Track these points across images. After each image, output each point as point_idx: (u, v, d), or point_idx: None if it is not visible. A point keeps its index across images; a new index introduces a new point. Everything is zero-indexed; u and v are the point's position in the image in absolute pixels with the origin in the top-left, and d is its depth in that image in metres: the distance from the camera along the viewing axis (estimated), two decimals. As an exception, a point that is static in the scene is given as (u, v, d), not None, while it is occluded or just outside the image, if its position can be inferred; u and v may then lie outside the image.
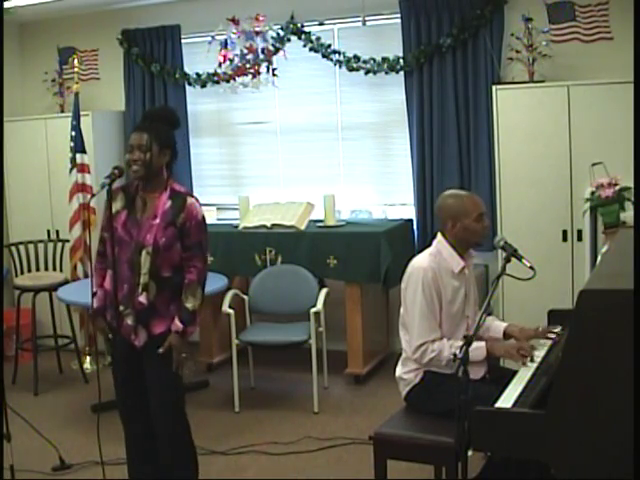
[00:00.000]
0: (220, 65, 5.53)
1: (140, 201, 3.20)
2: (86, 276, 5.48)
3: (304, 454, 4.10)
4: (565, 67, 4.95)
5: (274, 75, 5.47)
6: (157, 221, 3.13)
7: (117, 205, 3.21)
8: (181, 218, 3.14)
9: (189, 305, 3.16)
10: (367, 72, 5.43)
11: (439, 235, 3.28)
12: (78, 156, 5.52)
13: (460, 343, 3.08)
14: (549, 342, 3.17)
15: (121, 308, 3.17)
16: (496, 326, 3.41)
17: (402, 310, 3.30)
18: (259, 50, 5.42)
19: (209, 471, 3.72)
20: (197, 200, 3.24)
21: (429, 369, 3.19)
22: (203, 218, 3.22)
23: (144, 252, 3.11)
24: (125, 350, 3.24)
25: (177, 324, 3.16)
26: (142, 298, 3.13)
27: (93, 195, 3.61)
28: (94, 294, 3.30)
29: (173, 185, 3.22)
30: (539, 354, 3.05)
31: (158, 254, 3.12)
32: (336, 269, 5.10)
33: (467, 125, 5.25)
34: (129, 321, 3.17)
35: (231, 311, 4.73)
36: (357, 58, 5.44)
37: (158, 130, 3.16)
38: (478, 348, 3.10)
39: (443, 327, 3.18)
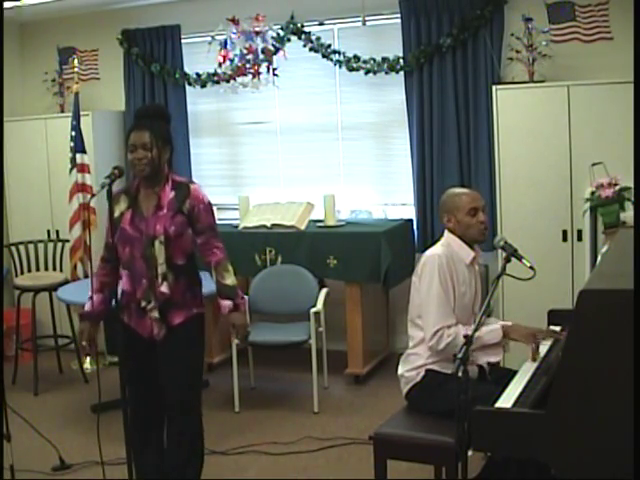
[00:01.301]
0: (220, 65, 5.53)
1: (144, 198, 3.21)
2: (86, 276, 5.48)
3: (304, 454, 4.10)
4: (565, 67, 4.94)
5: (274, 75, 5.47)
6: (164, 211, 3.15)
7: (121, 207, 3.21)
8: (187, 204, 3.17)
9: (228, 281, 3.23)
10: (367, 72, 5.43)
11: (445, 231, 3.31)
12: (78, 156, 5.52)
13: (473, 327, 3.08)
14: (551, 340, 3.18)
15: (143, 304, 3.18)
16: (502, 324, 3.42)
17: (411, 305, 3.28)
18: (259, 50, 5.41)
19: (209, 471, 3.72)
20: (199, 186, 3.27)
21: (431, 368, 3.19)
22: (209, 202, 3.25)
23: (157, 242, 3.13)
24: (137, 347, 3.24)
25: (226, 303, 3.23)
26: (164, 288, 3.15)
27: (93, 195, 3.61)
28: (90, 298, 3.31)
29: (173, 177, 3.24)
30: (541, 350, 3.06)
31: (170, 243, 3.14)
32: (336, 269, 5.10)
33: (467, 125, 5.25)
34: (154, 314, 3.18)
35: (231, 311, 4.73)
36: (357, 58, 5.44)
37: (158, 127, 3.17)
38: (493, 330, 3.12)
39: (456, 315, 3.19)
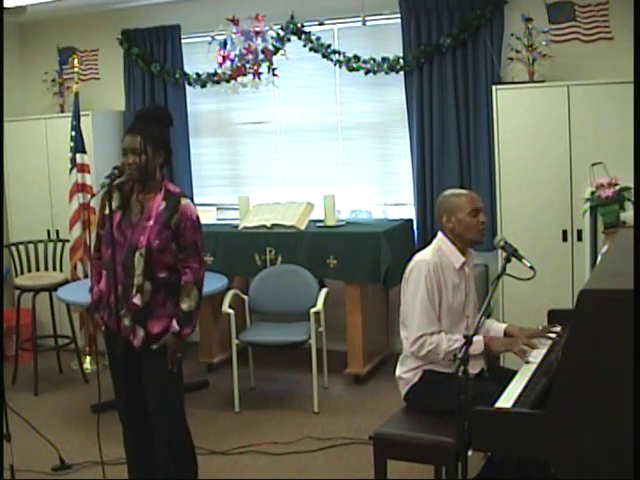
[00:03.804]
0: (220, 65, 5.53)
1: (135, 203, 3.19)
2: (86, 276, 5.48)
3: (304, 454, 4.10)
4: (565, 67, 4.95)
5: (274, 75, 5.47)
6: (151, 223, 3.12)
7: (112, 205, 3.18)
8: (175, 219, 3.12)
9: (184, 306, 3.15)
10: (367, 72, 5.43)
11: (439, 233, 3.31)
12: (78, 156, 5.52)
13: (458, 336, 3.10)
14: (549, 342, 3.18)
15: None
16: (496, 327, 3.42)
17: (401, 308, 3.30)
18: (259, 50, 5.42)
19: (209, 471, 3.72)
20: (191, 200, 3.23)
21: (429, 368, 3.19)
22: (197, 218, 3.19)
23: (137, 254, 3.10)
24: (123, 350, 3.24)
25: (174, 325, 3.15)
26: (136, 299, 3.12)
27: (93, 195, 3.61)
28: (91, 289, 3.33)
29: (167, 186, 3.21)
30: (539, 353, 3.05)
31: (152, 256, 3.10)
32: (336, 269, 5.10)
33: (467, 125, 5.25)
34: (126, 322, 3.17)
35: (231, 311, 4.73)
36: (357, 58, 5.44)
37: (151, 131, 3.13)
38: (476, 342, 3.09)
39: (443, 323, 3.19)
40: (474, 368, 3.15)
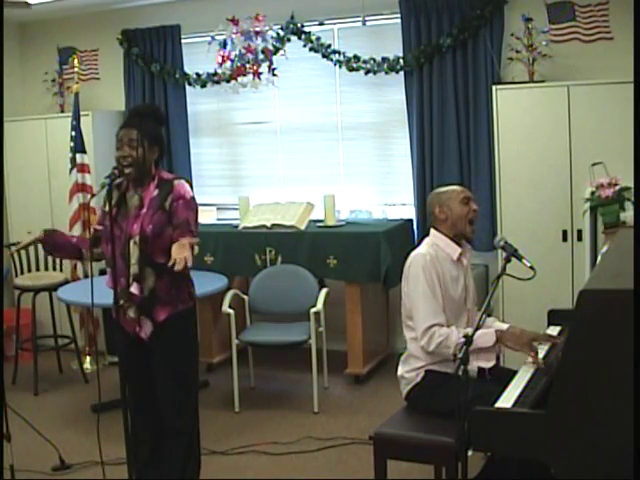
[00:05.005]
0: (220, 65, 5.53)
1: (130, 197, 3.19)
2: (86, 276, 5.49)
3: (304, 454, 4.10)
4: (565, 67, 4.95)
5: (274, 75, 5.47)
6: (144, 210, 3.12)
7: (111, 203, 3.17)
8: (169, 200, 3.11)
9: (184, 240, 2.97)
10: (367, 72, 5.43)
11: (431, 229, 3.31)
12: (78, 156, 5.52)
13: (468, 330, 3.08)
14: (548, 344, 3.17)
15: (121, 302, 3.17)
16: (498, 327, 3.41)
17: (403, 306, 3.28)
18: (259, 50, 5.42)
19: (209, 471, 3.72)
20: (187, 181, 3.21)
21: (431, 368, 3.19)
22: (192, 198, 3.16)
23: (131, 242, 3.10)
24: (128, 344, 3.24)
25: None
26: (133, 288, 3.11)
27: (93, 195, 3.60)
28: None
29: (160, 174, 3.20)
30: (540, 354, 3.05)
31: (147, 242, 3.09)
32: (336, 269, 5.10)
33: (467, 125, 5.26)
34: (131, 313, 3.17)
35: (231, 311, 4.73)
36: (357, 58, 5.44)
37: (147, 126, 3.14)
38: (486, 334, 3.05)
39: (446, 315, 3.17)
40: (488, 362, 3.13)
